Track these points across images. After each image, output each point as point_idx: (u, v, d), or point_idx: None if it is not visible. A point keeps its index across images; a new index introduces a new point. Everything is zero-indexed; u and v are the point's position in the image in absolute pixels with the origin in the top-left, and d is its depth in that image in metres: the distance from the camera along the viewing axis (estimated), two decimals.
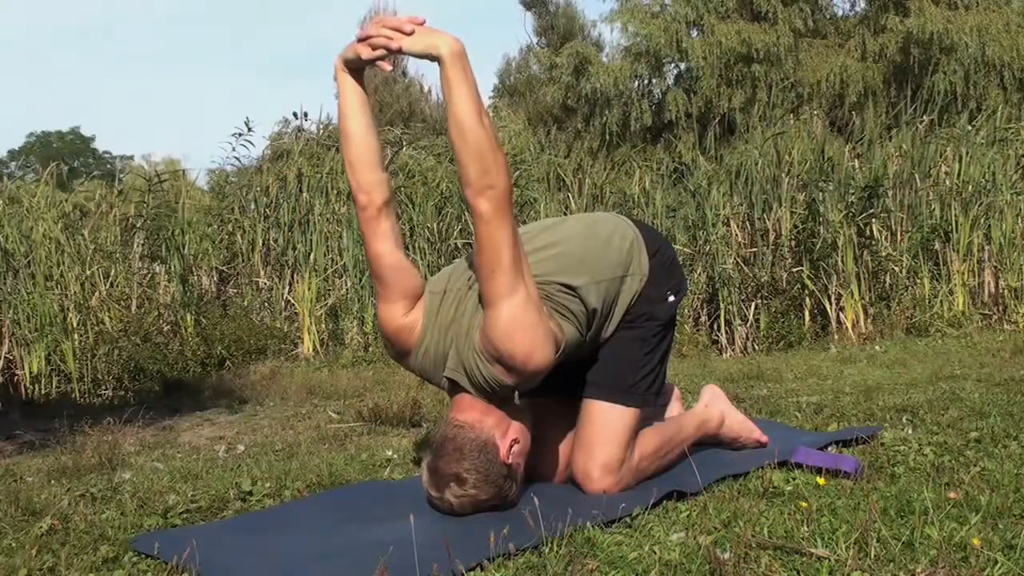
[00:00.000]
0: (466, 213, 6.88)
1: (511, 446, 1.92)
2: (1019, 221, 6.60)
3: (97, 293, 6.04)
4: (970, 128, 7.62)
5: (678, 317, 2.13)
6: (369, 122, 2.02)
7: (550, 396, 2.06)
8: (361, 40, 1.94)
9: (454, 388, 1.98)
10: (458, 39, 1.84)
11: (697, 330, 6.54)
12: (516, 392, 1.93)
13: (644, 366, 2.09)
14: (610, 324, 2.09)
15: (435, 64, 1.87)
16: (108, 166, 31.29)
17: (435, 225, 6.94)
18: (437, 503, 1.91)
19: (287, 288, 6.86)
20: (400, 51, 1.88)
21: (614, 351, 2.10)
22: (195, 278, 6.85)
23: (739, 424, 2.40)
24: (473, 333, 1.92)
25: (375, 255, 2.00)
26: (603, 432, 2.03)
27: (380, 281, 2.02)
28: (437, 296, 2.01)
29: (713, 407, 2.38)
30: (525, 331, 1.85)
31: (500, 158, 1.84)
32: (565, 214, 6.98)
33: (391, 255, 2.00)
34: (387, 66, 2.00)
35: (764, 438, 2.41)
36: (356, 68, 2.00)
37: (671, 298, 2.14)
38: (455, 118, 1.84)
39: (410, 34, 1.87)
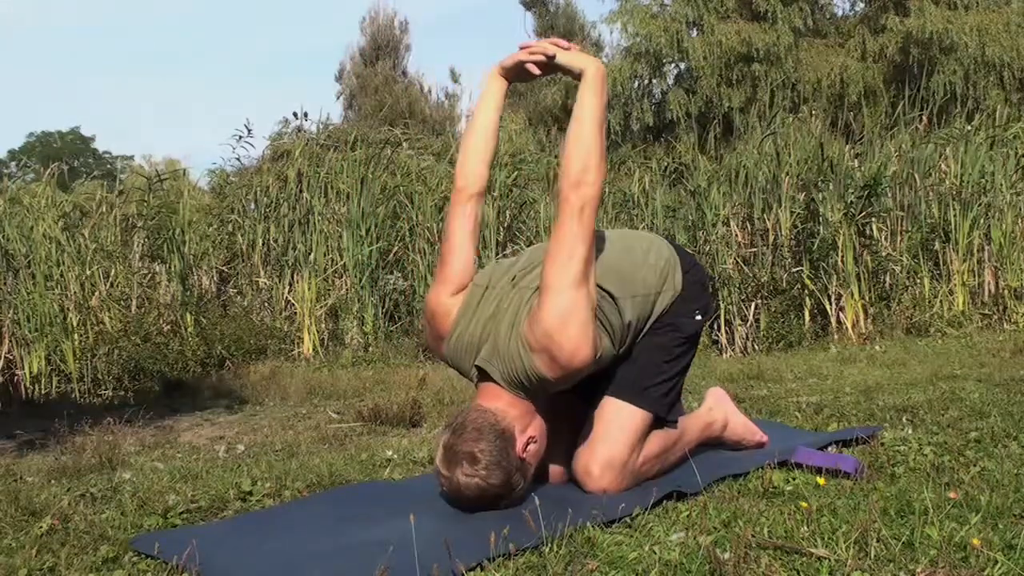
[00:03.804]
0: None
1: (528, 443, 1.94)
2: (1019, 221, 6.61)
3: (97, 293, 6.03)
4: (969, 128, 7.61)
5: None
6: (496, 125, 2.22)
7: (564, 404, 2.08)
8: (523, 48, 2.16)
9: (482, 378, 2.01)
10: (602, 64, 2.07)
11: None
12: (536, 397, 1.96)
13: (662, 373, 2.11)
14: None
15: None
16: (108, 166, 31.27)
17: (435, 225, 6.94)
18: (444, 484, 1.91)
19: (287, 288, 6.85)
20: (554, 59, 2.11)
21: (634, 354, 2.12)
22: (195, 278, 6.85)
23: (742, 427, 2.40)
24: (520, 321, 1.95)
25: (449, 231, 2.13)
26: (610, 429, 2.04)
27: (442, 262, 2.14)
28: (480, 289, 2.07)
29: (717, 410, 2.38)
30: (578, 327, 1.90)
31: (602, 167, 2.00)
32: None
33: (462, 237, 2.12)
34: (536, 70, 2.16)
35: (766, 441, 2.41)
36: (508, 77, 2.21)
37: (698, 316, 2.19)
38: (579, 120, 2.02)
39: (566, 50, 2.12)
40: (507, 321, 1.97)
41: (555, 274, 1.92)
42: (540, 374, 1.92)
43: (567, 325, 1.89)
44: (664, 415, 2.12)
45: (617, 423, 2.04)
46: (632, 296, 2.07)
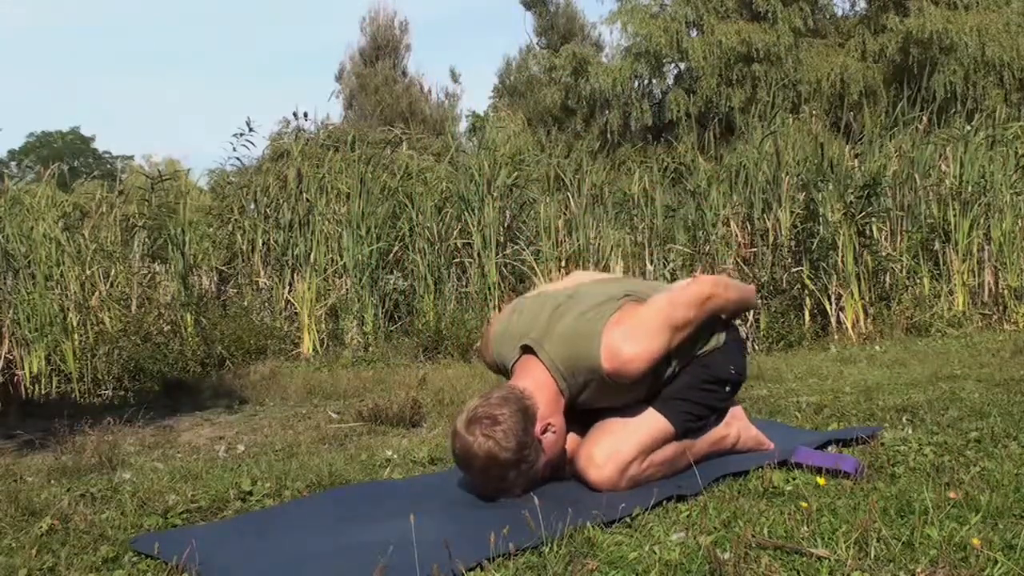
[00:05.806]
0: (465, 213, 6.88)
1: (547, 428, 2.02)
2: (1019, 221, 6.60)
3: (97, 293, 6.02)
4: (969, 128, 7.61)
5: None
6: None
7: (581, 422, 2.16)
8: None
9: (523, 354, 2.12)
10: (756, 293, 2.47)
11: None
12: (569, 389, 2.06)
13: (688, 395, 2.18)
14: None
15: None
16: (108, 166, 31.27)
17: (435, 225, 6.94)
18: (457, 443, 1.98)
19: (287, 288, 6.85)
20: None
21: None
22: (195, 278, 6.85)
23: (753, 441, 2.41)
24: (606, 310, 2.09)
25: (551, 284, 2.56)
26: (624, 424, 2.09)
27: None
28: (525, 299, 2.30)
29: (732, 425, 2.39)
30: (653, 349, 2.05)
31: (729, 305, 2.30)
32: (565, 213, 6.96)
33: None
34: None
35: (772, 448, 2.41)
36: None
37: (732, 370, 2.29)
38: (738, 281, 2.45)
39: None
40: (575, 311, 2.12)
41: (663, 303, 2.14)
42: (596, 361, 2.02)
43: (649, 338, 2.05)
44: (679, 432, 2.16)
45: (632, 422, 2.10)
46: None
